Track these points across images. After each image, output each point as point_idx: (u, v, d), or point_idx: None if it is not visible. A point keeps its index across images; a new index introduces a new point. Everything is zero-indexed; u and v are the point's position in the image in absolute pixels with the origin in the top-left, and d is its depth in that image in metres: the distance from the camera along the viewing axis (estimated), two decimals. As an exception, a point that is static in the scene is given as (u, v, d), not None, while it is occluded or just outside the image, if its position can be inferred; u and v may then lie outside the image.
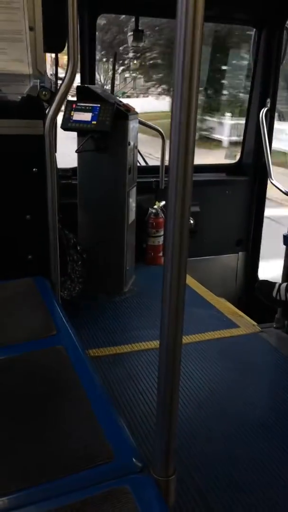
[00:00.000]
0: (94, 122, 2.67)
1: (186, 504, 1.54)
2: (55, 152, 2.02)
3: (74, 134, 2.87)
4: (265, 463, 1.73)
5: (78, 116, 2.70)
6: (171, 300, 0.93)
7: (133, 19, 3.44)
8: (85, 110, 2.70)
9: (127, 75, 9.35)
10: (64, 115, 2.69)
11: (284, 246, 2.87)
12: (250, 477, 1.67)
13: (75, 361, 1.42)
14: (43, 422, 1.18)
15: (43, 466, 1.04)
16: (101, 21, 3.64)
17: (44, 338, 1.56)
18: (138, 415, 1.94)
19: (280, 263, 2.95)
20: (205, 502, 1.56)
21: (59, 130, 2.52)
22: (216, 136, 10.81)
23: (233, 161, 4.19)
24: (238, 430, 1.90)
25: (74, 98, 2.82)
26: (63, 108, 2.55)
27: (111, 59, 4.17)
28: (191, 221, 3.13)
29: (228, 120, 10.01)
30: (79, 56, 1.93)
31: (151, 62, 9.36)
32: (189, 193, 0.87)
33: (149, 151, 4.38)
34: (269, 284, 2.73)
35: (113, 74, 3.33)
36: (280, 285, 2.72)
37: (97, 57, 3.41)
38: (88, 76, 3.32)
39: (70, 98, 2.73)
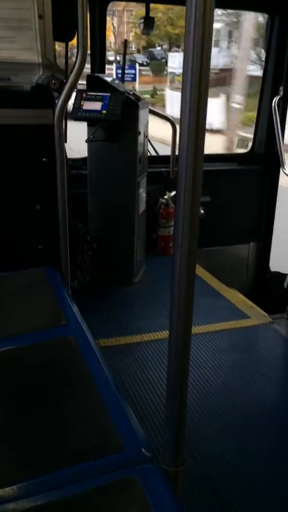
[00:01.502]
0: (104, 112, 2.65)
1: (195, 494, 1.55)
2: (65, 141, 2.01)
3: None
4: (276, 454, 1.73)
5: (88, 105, 2.68)
6: (181, 290, 0.92)
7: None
8: (95, 99, 2.67)
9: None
10: (74, 105, 2.67)
11: None
12: (260, 468, 1.67)
13: (85, 351, 1.42)
14: (53, 411, 1.18)
15: (53, 455, 1.05)
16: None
17: (54, 328, 1.56)
18: (147, 406, 1.95)
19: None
20: (214, 493, 1.56)
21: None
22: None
23: (245, 151, 4.13)
24: (248, 421, 1.90)
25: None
26: (73, 97, 2.53)
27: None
28: (202, 211, 3.11)
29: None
30: (88, 44, 1.91)
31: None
32: (199, 183, 0.85)
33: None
34: (280, 275, 2.71)
35: (123, 63, 3.29)
36: None
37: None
38: (98, 64, 3.29)
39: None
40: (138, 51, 19.89)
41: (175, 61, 16.25)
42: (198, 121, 0.82)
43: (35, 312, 1.67)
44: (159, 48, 19.87)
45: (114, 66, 12.73)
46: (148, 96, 14.30)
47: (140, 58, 18.77)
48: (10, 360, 1.39)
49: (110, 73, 6.74)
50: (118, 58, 15.61)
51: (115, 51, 16.88)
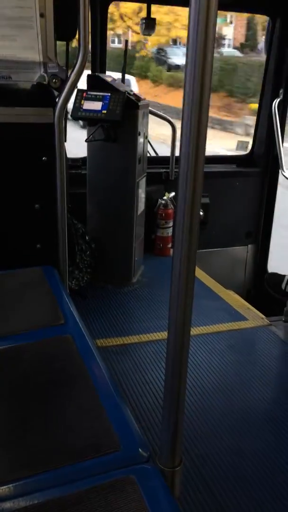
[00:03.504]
0: (104, 111, 2.65)
1: (191, 495, 1.54)
2: (65, 141, 2.01)
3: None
4: (271, 456, 1.73)
5: (88, 105, 2.68)
6: (180, 292, 0.92)
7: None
8: (95, 99, 2.67)
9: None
10: (74, 104, 2.67)
11: None
12: (256, 470, 1.67)
13: (83, 350, 1.42)
14: (50, 410, 1.18)
15: (50, 454, 1.05)
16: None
17: (52, 327, 1.56)
18: (144, 406, 1.94)
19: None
20: (210, 494, 1.56)
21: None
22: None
23: (244, 153, 4.14)
24: (245, 423, 1.90)
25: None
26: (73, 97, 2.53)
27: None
28: (201, 213, 3.11)
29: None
30: (90, 44, 1.91)
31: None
32: (200, 184, 0.85)
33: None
34: (278, 277, 2.71)
35: (124, 62, 3.29)
36: None
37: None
38: (99, 64, 3.29)
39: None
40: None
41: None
42: (199, 123, 0.82)
43: (33, 311, 1.67)
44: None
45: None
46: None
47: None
48: (8, 359, 1.39)
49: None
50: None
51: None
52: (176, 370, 0.98)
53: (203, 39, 0.78)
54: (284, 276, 2.69)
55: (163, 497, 0.99)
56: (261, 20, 12.83)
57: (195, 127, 0.82)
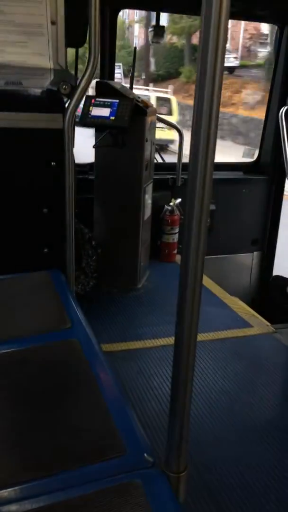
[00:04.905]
0: (112, 118, 2.67)
1: (195, 502, 1.54)
2: (73, 146, 2.02)
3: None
4: (276, 465, 1.72)
5: (96, 111, 2.70)
6: (188, 298, 0.92)
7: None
8: (103, 105, 2.69)
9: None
10: (82, 110, 2.69)
11: None
12: (261, 478, 1.66)
13: (89, 354, 1.42)
14: (56, 414, 1.18)
15: (56, 458, 1.05)
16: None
17: (59, 331, 1.57)
18: (149, 411, 1.94)
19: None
20: (215, 501, 1.55)
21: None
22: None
23: (251, 160, 4.15)
24: (250, 430, 1.89)
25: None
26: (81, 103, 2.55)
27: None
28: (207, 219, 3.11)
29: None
30: (99, 51, 1.93)
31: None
32: (209, 192, 0.86)
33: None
34: (283, 280, 2.71)
35: (133, 69, 3.31)
36: None
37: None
38: (108, 71, 3.32)
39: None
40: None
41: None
42: (209, 130, 0.83)
43: (39, 315, 1.67)
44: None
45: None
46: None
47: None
48: (14, 362, 1.39)
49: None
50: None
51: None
52: (183, 376, 0.99)
53: (214, 47, 0.78)
54: None
55: (168, 503, 0.99)
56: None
57: (204, 135, 0.83)
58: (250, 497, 1.58)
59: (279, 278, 2.65)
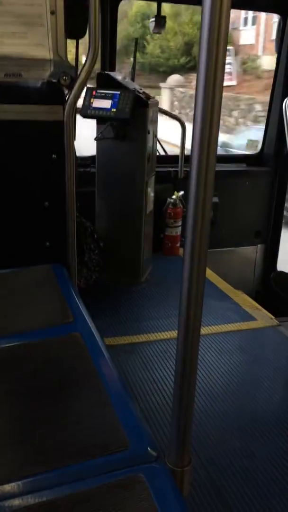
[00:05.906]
0: (114, 110, 2.65)
1: (199, 496, 1.53)
2: (74, 139, 2.00)
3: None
4: (281, 458, 1.71)
5: (97, 103, 2.67)
6: (190, 291, 0.91)
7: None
8: (105, 97, 2.67)
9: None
10: (83, 102, 2.67)
11: None
12: (265, 471, 1.65)
13: (92, 348, 1.41)
14: (59, 408, 1.18)
15: (59, 452, 1.04)
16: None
17: (61, 325, 1.56)
18: (152, 405, 1.93)
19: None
20: (219, 495, 1.55)
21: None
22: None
23: (254, 152, 4.12)
24: (253, 424, 1.88)
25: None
26: (82, 95, 2.53)
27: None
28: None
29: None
30: (100, 42, 1.91)
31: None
32: (211, 184, 0.85)
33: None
34: (285, 275, 2.69)
35: (134, 61, 3.28)
36: None
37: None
38: (109, 62, 3.29)
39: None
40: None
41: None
42: (211, 122, 0.81)
43: (42, 309, 1.66)
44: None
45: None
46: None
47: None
48: (17, 356, 1.38)
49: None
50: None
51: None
52: (186, 369, 0.98)
53: (215, 38, 0.77)
54: None
55: (172, 496, 0.98)
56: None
57: (207, 127, 0.81)
58: (254, 490, 1.57)
59: (282, 273, 2.63)
